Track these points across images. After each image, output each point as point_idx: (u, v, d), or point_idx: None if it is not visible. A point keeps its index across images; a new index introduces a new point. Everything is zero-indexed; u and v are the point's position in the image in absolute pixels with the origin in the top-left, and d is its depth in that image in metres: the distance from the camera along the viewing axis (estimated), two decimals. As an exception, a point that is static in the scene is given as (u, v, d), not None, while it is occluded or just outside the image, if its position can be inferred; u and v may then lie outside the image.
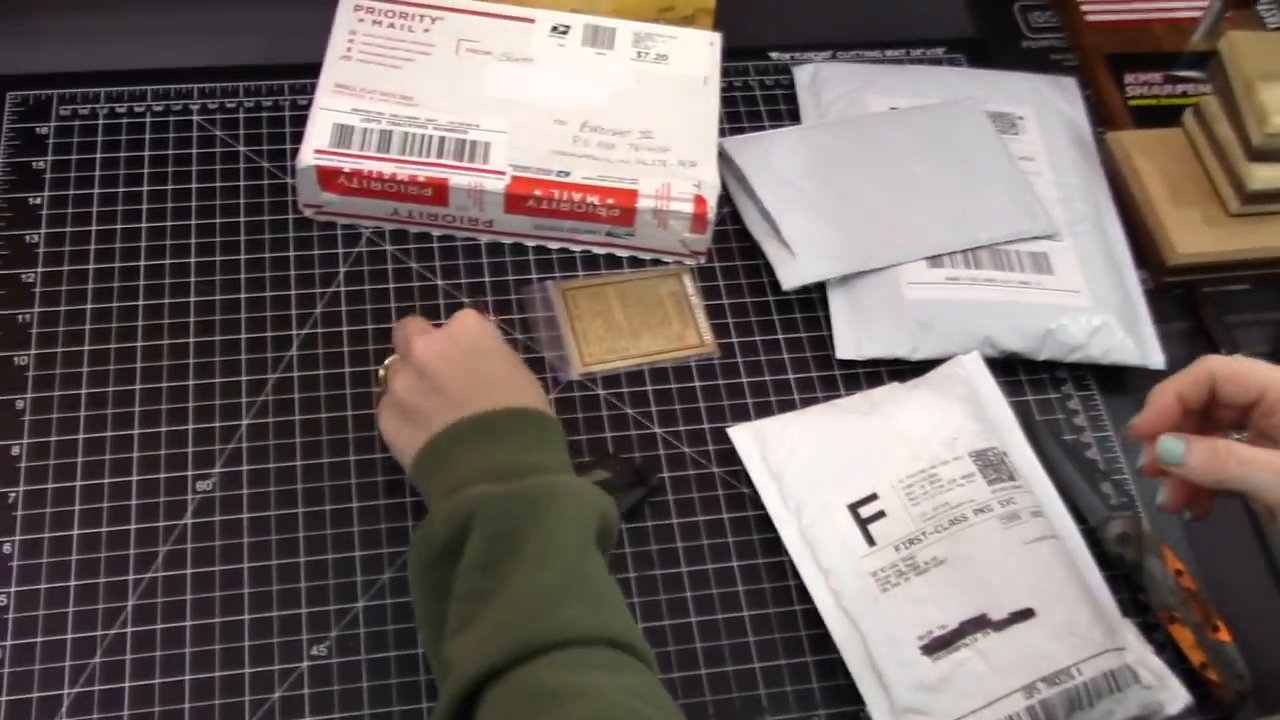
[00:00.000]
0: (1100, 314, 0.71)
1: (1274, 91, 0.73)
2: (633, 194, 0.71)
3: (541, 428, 0.58)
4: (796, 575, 0.64)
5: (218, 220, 0.73)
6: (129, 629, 0.59)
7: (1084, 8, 0.87)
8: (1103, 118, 0.84)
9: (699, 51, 0.78)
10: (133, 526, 0.62)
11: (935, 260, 0.73)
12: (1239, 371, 0.54)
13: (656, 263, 0.74)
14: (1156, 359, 0.72)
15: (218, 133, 0.76)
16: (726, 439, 0.68)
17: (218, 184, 0.74)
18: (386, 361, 0.64)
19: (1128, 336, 0.71)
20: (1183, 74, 0.84)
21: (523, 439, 0.57)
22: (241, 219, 0.73)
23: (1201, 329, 0.75)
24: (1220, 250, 0.75)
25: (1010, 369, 0.72)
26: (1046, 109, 0.82)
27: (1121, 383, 0.72)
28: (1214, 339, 0.74)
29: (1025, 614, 0.59)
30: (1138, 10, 0.88)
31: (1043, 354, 0.71)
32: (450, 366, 0.59)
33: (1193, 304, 0.76)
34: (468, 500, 0.53)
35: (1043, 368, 0.72)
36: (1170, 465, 0.52)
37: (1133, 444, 0.58)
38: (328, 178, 0.70)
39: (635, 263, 0.74)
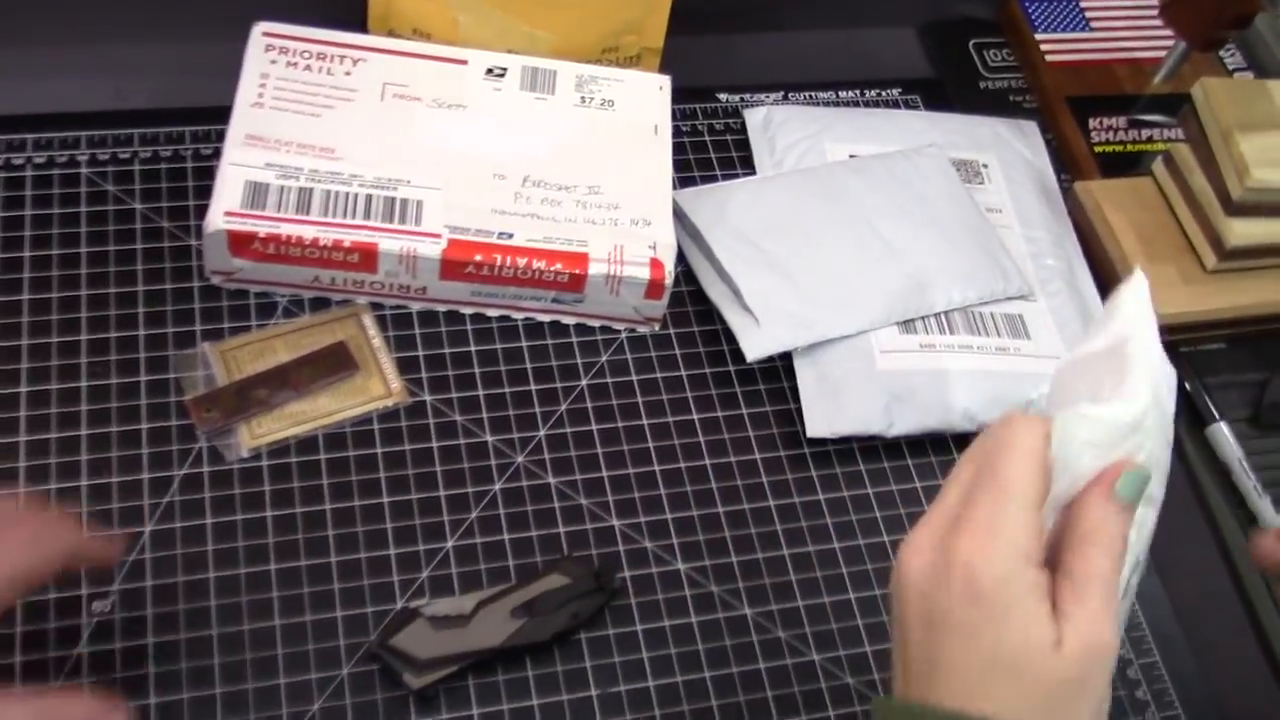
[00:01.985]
0: (1081, 382, 0.67)
1: (1254, 142, 0.69)
2: (583, 258, 0.64)
3: None
4: (775, 686, 0.58)
5: (112, 290, 0.64)
6: None
7: (1043, 47, 0.83)
8: (1066, 164, 0.80)
9: (648, 96, 0.71)
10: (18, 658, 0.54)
11: (907, 325, 0.67)
12: None
13: (601, 327, 0.67)
14: (1140, 430, 0.67)
15: (110, 188, 0.67)
16: (692, 531, 0.62)
17: (111, 248, 0.65)
18: None
19: (1110, 406, 0.67)
20: (1147, 118, 0.81)
21: None
22: (140, 288, 0.64)
23: (1180, 392, 0.71)
24: (1199, 310, 0.71)
25: (988, 442, 0.67)
26: (1010, 155, 0.77)
27: (1103, 454, 0.68)
28: (1194, 404, 0.70)
29: None
30: (1098, 50, 0.84)
31: (1024, 427, 0.66)
32: None
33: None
34: None
35: (1022, 440, 0.68)
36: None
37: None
38: (240, 243, 0.62)
39: (533, 329, 0.67)
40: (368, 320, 0.64)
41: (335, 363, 0.62)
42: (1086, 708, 0.39)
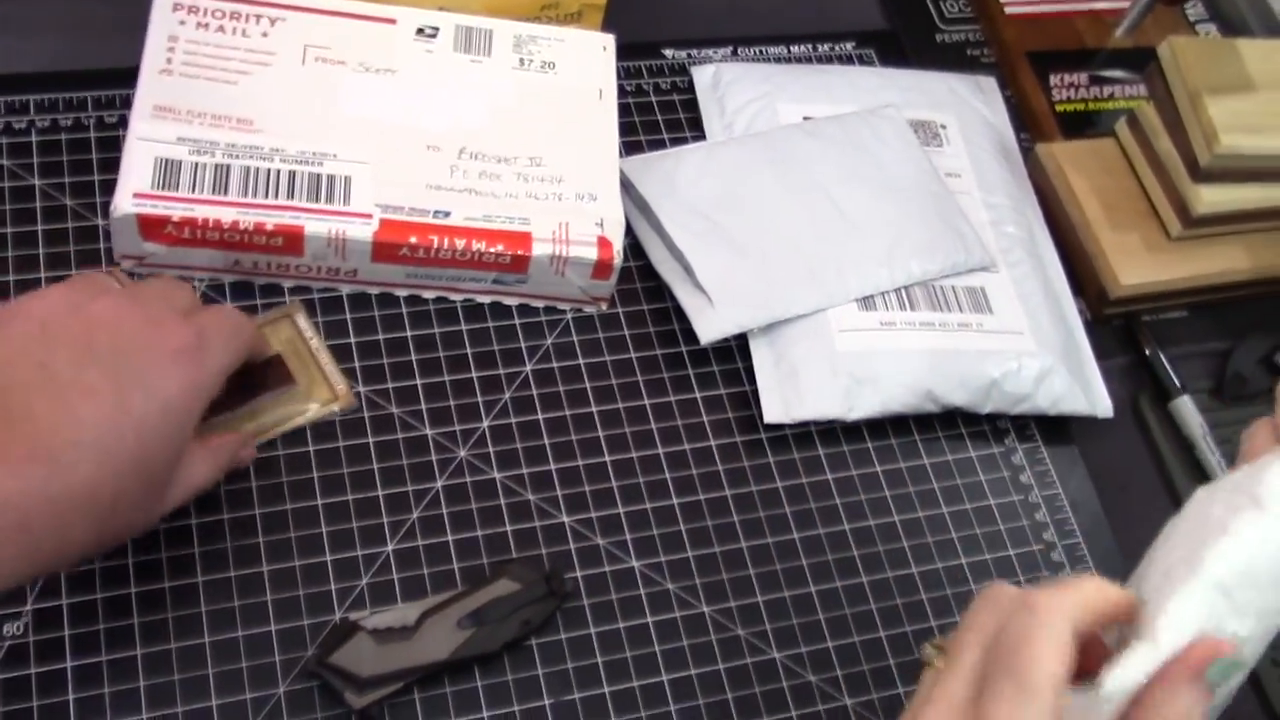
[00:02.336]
0: (1045, 358, 0.64)
1: (1223, 106, 0.67)
2: (526, 238, 0.60)
3: None
4: (735, 687, 0.56)
5: (11, 277, 0.59)
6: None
7: (1001, -2, 0.80)
8: (1027, 123, 0.76)
9: (591, 57, 0.67)
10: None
11: (867, 302, 0.64)
12: None
13: (545, 308, 0.63)
14: (1105, 407, 0.66)
15: (3, 161, 0.62)
16: (646, 525, 0.59)
17: (9, 229, 0.60)
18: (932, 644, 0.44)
19: (1075, 382, 0.65)
20: (1108, 74, 0.78)
21: None
22: (42, 274, 0.59)
23: (1142, 363, 0.69)
24: (1164, 280, 0.69)
25: (950, 422, 0.65)
26: (969, 115, 0.74)
27: (1066, 433, 0.66)
28: (1156, 375, 0.69)
29: None
30: (1058, 1, 0.80)
31: (987, 407, 0.64)
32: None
33: (1131, 335, 0.70)
34: None
35: (983, 419, 0.65)
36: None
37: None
38: (151, 227, 0.57)
39: (473, 311, 0.63)
40: (302, 321, 0.59)
41: (271, 378, 0.57)
42: None
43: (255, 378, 0.56)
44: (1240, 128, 0.66)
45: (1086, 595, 0.38)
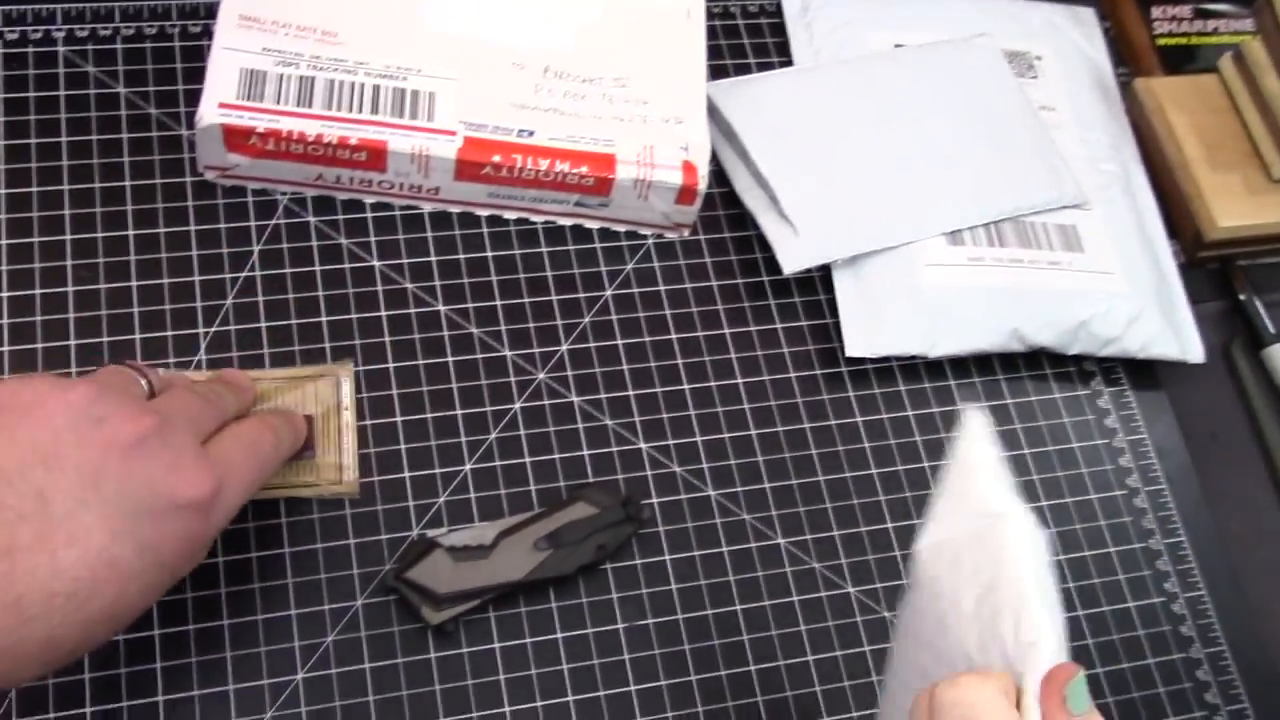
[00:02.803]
0: (1136, 299, 0.63)
1: (1336, 43, 0.64)
2: (610, 160, 0.59)
3: None
4: (809, 620, 0.55)
5: (97, 185, 0.59)
6: (12, 721, 0.48)
7: (1103, -75, 0.77)
8: (1125, 57, 0.74)
9: (680, -23, 0.65)
10: None
11: (955, 236, 0.63)
12: None
13: (627, 232, 0.62)
14: (1196, 352, 0.64)
15: (90, 68, 0.61)
16: (723, 455, 0.58)
17: (94, 136, 0.60)
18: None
19: (1166, 326, 0.63)
20: (1214, 7, 0.75)
21: None
22: (127, 183, 0.59)
23: (1236, 309, 0.67)
24: (1264, 223, 0.67)
25: (1035, 362, 0.64)
26: (1065, 47, 0.72)
27: (1154, 377, 0.65)
28: (1250, 321, 0.67)
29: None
30: (1162, -71, 0.77)
31: (1074, 348, 0.62)
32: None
33: (1227, 280, 0.68)
34: None
35: (1069, 360, 0.64)
36: None
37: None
38: (236, 138, 0.57)
39: (553, 233, 0.62)
40: (345, 388, 0.54)
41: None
42: None
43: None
44: (1355, 66, 0.64)
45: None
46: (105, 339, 0.55)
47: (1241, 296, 0.67)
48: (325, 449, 0.53)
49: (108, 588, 0.40)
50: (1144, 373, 0.64)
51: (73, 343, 0.55)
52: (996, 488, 0.39)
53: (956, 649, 0.38)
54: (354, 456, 0.54)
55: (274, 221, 0.60)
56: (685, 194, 0.60)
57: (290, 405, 0.53)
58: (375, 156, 0.58)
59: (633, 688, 0.53)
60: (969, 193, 0.64)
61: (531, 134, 0.59)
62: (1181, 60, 0.73)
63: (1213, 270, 0.68)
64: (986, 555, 0.38)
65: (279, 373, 0.55)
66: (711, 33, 0.69)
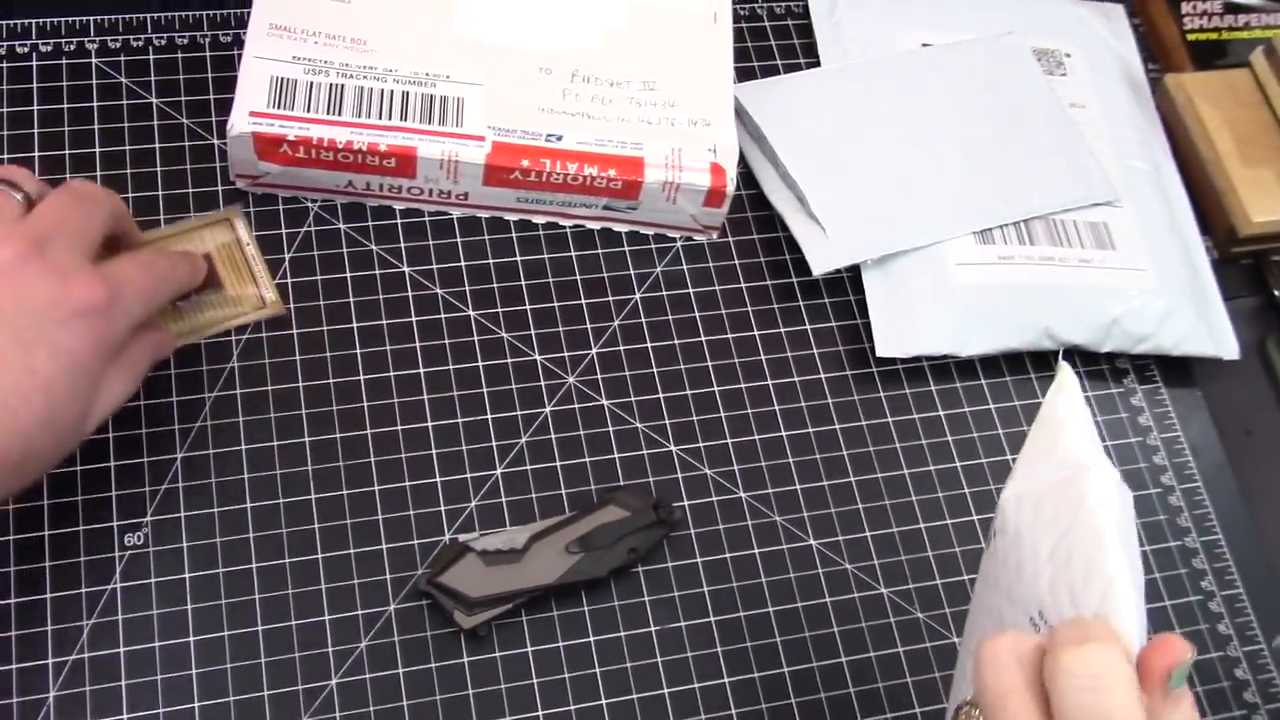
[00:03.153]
0: (1169, 296, 0.62)
1: (1370, 36, 0.63)
2: (638, 163, 0.59)
3: None
4: (842, 621, 0.55)
5: (130, 195, 0.59)
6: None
7: (1131, -80, 0.76)
8: (1155, 53, 0.73)
9: (705, -20, 0.65)
10: (49, 595, 0.51)
11: (985, 235, 0.63)
12: None
13: (655, 235, 0.62)
14: (1230, 348, 0.63)
15: (123, 79, 0.62)
16: (754, 457, 0.58)
17: (127, 147, 0.60)
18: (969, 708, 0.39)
19: (1199, 322, 0.63)
20: (1244, 1, 0.74)
21: None
22: (160, 192, 0.60)
23: (1271, 305, 0.67)
24: (1297, 218, 0.66)
25: (1067, 360, 0.63)
26: (1094, 43, 0.71)
27: (1187, 374, 0.64)
28: (1285, 318, 0.66)
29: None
30: (1192, -76, 0.76)
31: (1106, 345, 0.62)
32: None
33: (1260, 275, 0.67)
34: None
35: (1101, 358, 0.64)
36: None
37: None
38: (267, 146, 0.57)
39: (582, 237, 0.62)
40: (240, 227, 0.59)
41: (207, 277, 0.57)
42: None
43: None
44: (1389, 58, 0.63)
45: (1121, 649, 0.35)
46: (140, 347, 0.56)
47: (1276, 292, 0.66)
48: (237, 283, 0.58)
49: (35, 397, 0.43)
50: (1178, 370, 0.64)
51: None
52: (1083, 441, 0.39)
53: (1030, 594, 0.38)
54: (270, 284, 0.58)
55: (305, 229, 0.60)
56: (713, 196, 0.60)
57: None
58: (405, 163, 0.58)
59: (666, 690, 0.53)
60: (998, 191, 0.64)
61: (560, 138, 0.59)
62: (1212, 56, 0.72)
63: (1246, 266, 0.68)
64: (1068, 504, 0.38)
65: (167, 230, 0.58)
66: (738, 35, 0.69)
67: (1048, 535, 0.38)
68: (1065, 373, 0.41)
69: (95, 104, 0.61)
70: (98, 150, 0.60)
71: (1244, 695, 0.57)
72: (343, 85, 0.58)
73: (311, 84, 0.58)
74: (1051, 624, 0.38)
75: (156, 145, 0.61)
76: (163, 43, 0.63)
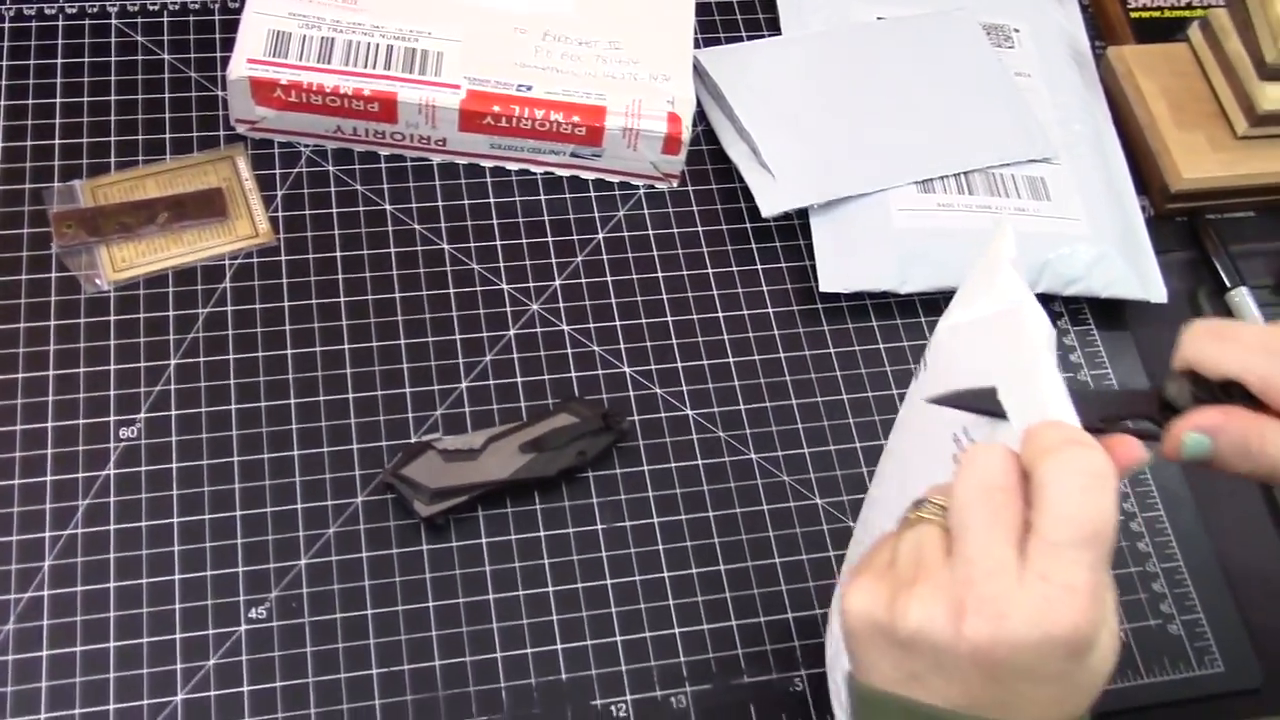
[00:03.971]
0: (1100, 244, 0.66)
1: (1291, 4, 0.68)
2: (600, 111, 0.65)
3: None
4: (778, 526, 0.59)
5: (140, 137, 0.65)
6: (46, 591, 0.54)
7: (1083, -90, 0.81)
8: (1102, 32, 0.78)
9: (672, -47, 0.71)
10: (49, 478, 0.56)
11: (926, 185, 0.67)
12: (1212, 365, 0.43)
13: (620, 183, 0.68)
14: (1159, 292, 0.67)
15: (139, 38, 0.69)
16: (702, 380, 0.63)
17: (139, 96, 0.67)
18: (932, 505, 0.40)
19: (1129, 268, 0.67)
20: (1188, -16, 0.79)
21: None
22: (167, 135, 0.66)
23: (1204, 258, 0.71)
24: (1226, 175, 0.70)
25: (1004, 303, 0.67)
26: (1043, 21, 0.76)
27: (1120, 317, 0.68)
28: (1217, 269, 0.70)
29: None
30: (1140, -86, 0.81)
31: (1039, 286, 0.66)
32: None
33: (1194, 232, 0.71)
34: None
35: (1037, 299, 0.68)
36: (1200, 460, 0.43)
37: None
38: (262, 90, 0.63)
39: (552, 183, 0.68)
40: (241, 164, 0.65)
41: (205, 207, 0.63)
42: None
43: (189, 203, 0.63)
44: (1309, 25, 0.67)
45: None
46: (140, 270, 0.62)
47: (1208, 247, 0.70)
48: (237, 214, 0.63)
49: None
50: (1110, 314, 0.68)
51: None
52: (1018, 282, 0.43)
53: (956, 414, 0.42)
54: (264, 216, 0.64)
55: (297, 170, 0.66)
56: (670, 143, 0.65)
57: (199, 186, 0.64)
58: (386, 108, 0.64)
59: (609, 581, 0.57)
60: (942, 147, 0.68)
61: (529, 88, 0.65)
62: (1156, 32, 0.77)
63: (1182, 224, 0.72)
64: (1006, 333, 0.41)
65: (174, 162, 0.64)
66: (708, 9, 0.75)
67: (985, 359, 0.42)
68: (1007, 227, 0.45)
69: (113, 59, 0.68)
70: (112, 98, 0.66)
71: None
72: (333, 39, 0.64)
73: (305, 37, 0.64)
74: (975, 440, 0.41)
75: (166, 95, 0.67)
76: (176, 6, 0.70)
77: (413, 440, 0.59)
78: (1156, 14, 0.78)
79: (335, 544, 0.56)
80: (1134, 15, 0.77)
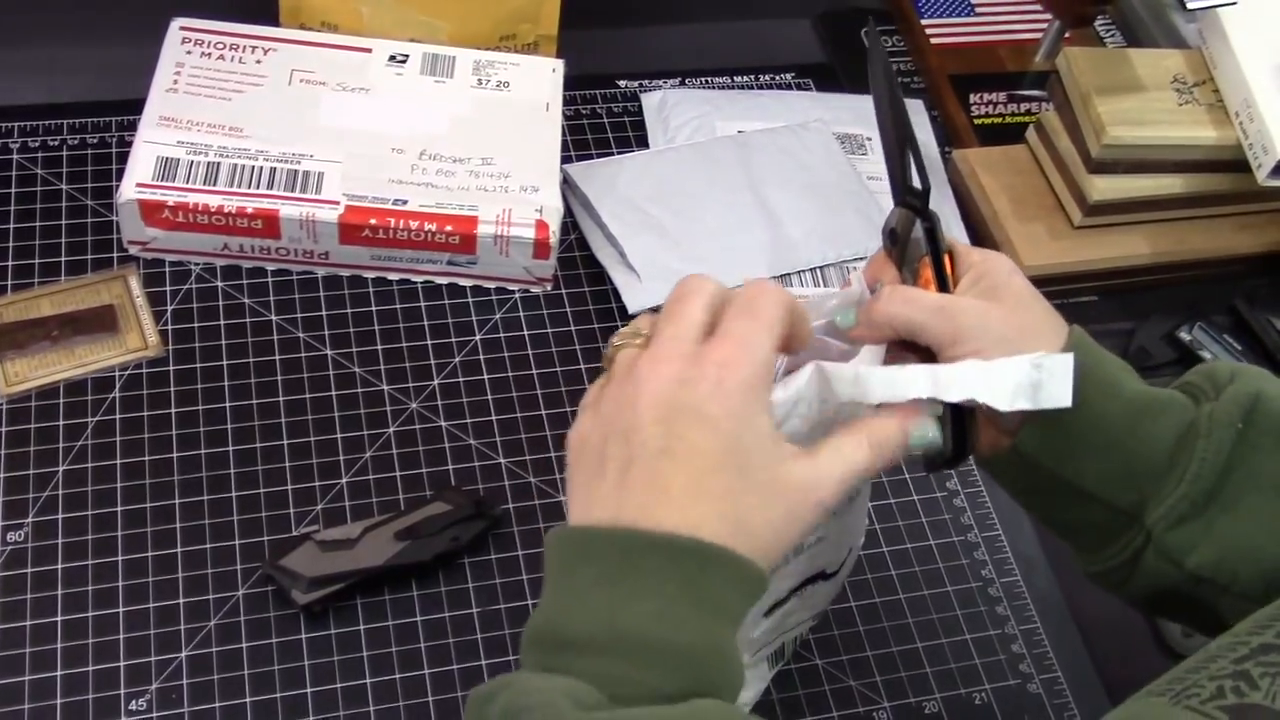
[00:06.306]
0: (949, 327, 0.71)
1: (1111, 104, 0.74)
2: (473, 220, 0.69)
3: (723, 588, 0.41)
4: (646, 603, 0.62)
5: (36, 260, 0.69)
6: (-73, 693, 0.55)
7: (930, 31, 0.88)
8: (950, 137, 0.84)
9: (541, 78, 0.76)
10: (-65, 583, 0.58)
11: (783, 280, 0.72)
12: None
13: (496, 289, 0.72)
14: (1006, 370, 0.71)
15: (39, 171, 0.73)
16: (574, 466, 0.66)
17: (37, 223, 0.71)
18: (617, 338, 0.46)
19: (977, 349, 0.71)
20: (1026, 93, 0.86)
21: (686, 605, 0.40)
22: (63, 258, 0.70)
23: (1051, 340, 0.75)
24: (1065, 261, 0.76)
25: (862, 386, 0.71)
26: (894, 130, 0.82)
27: (973, 396, 0.72)
28: (1064, 350, 0.74)
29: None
30: (982, 33, 0.89)
31: (893, 369, 0.70)
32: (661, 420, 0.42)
33: (1042, 316, 0.76)
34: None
35: (895, 384, 0.72)
36: (847, 329, 0.50)
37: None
38: (151, 212, 0.67)
39: (431, 291, 0.72)
40: (133, 282, 0.69)
41: (97, 323, 0.67)
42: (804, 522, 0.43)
43: (83, 319, 0.67)
44: (1125, 122, 0.74)
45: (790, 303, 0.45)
46: (32, 385, 0.65)
47: (1054, 328, 0.75)
48: (128, 329, 0.67)
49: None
50: (964, 393, 0.72)
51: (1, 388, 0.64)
52: None
53: None
54: (154, 330, 0.67)
55: (187, 286, 0.70)
56: (540, 248, 0.70)
57: (92, 304, 0.68)
58: (269, 224, 0.68)
59: (483, 662, 0.59)
60: (795, 244, 0.73)
61: (405, 202, 0.69)
62: (999, 136, 0.83)
63: (1029, 308, 0.77)
64: None
65: (68, 283, 0.68)
66: (580, 130, 0.80)
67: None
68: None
69: (13, 190, 0.72)
70: (11, 226, 0.70)
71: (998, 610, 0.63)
72: (219, 164, 0.69)
73: (192, 162, 0.68)
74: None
75: (63, 221, 0.71)
76: (75, 142, 0.74)
77: (293, 534, 0.62)
78: (998, 120, 0.84)
79: (216, 635, 0.58)
80: (978, 122, 0.84)
